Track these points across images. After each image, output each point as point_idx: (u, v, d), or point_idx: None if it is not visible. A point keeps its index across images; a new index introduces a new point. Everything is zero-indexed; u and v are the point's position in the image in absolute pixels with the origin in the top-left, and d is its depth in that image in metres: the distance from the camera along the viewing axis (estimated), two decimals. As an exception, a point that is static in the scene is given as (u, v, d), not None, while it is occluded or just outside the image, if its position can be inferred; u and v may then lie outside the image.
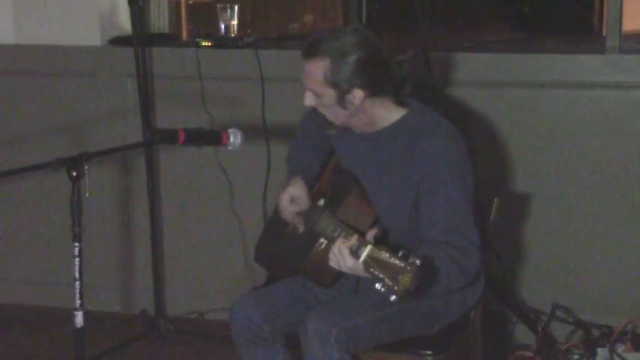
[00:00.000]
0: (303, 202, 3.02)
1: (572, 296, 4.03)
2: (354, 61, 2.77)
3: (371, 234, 2.69)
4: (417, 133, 2.86)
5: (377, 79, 2.82)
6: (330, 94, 2.81)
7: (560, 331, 3.99)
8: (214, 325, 4.28)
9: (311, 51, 2.80)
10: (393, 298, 2.51)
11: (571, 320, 3.98)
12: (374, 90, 2.82)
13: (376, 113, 2.89)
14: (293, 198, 3.03)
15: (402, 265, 2.49)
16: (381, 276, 2.51)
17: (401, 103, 2.94)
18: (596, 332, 3.92)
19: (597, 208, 3.98)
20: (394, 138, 2.90)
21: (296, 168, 3.16)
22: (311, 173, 3.15)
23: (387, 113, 2.90)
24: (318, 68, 2.78)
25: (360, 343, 2.85)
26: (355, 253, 2.61)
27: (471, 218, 2.82)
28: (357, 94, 2.80)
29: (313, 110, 2.88)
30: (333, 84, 2.78)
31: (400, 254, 2.51)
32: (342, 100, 2.81)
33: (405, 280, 2.48)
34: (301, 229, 3.02)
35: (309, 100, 2.86)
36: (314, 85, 2.81)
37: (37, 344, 4.22)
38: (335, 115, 2.87)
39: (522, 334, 3.99)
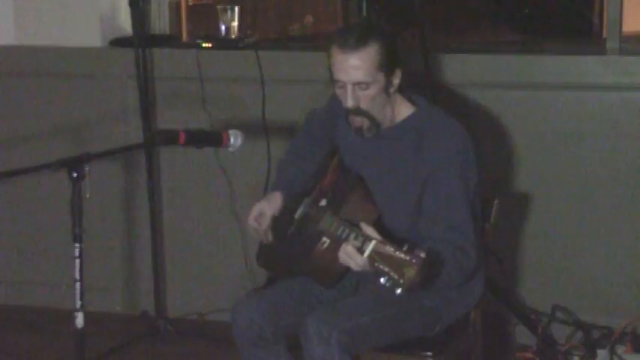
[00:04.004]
0: (265, 221, 3.07)
1: (572, 297, 4.03)
2: (392, 40, 2.87)
3: (370, 229, 2.70)
4: (425, 131, 2.91)
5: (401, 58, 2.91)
6: (380, 80, 2.85)
7: (560, 332, 3.99)
8: (215, 326, 4.28)
9: (361, 40, 2.82)
10: (398, 291, 2.52)
11: (571, 321, 3.98)
12: (402, 69, 2.89)
13: (396, 106, 2.95)
14: (261, 214, 3.08)
15: (408, 258, 2.51)
16: (386, 270, 2.53)
17: (410, 101, 2.97)
18: (596, 333, 3.92)
19: (597, 209, 3.98)
20: (402, 136, 2.93)
21: (285, 178, 3.20)
22: (301, 182, 3.17)
23: (401, 108, 2.96)
24: (372, 54, 2.82)
25: (360, 344, 2.85)
26: (360, 249, 2.63)
27: (470, 216, 2.87)
28: (398, 73, 2.88)
29: (355, 112, 2.88)
30: (384, 66, 2.84)
31: (405, 248, 2.53)
32: (388, 84, 2.87)
33: (411, 272, 2.50)
34: (269, 238, 3.08)
35: (352, 101, 2.86)
36: (367, 75, 2.83)
37: (38, 345, 4.22)
38: (377, 106, 2.89)
39: (522, 335, 3.99)
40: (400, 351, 2.97)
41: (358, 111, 2.87)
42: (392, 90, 2.91)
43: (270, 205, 3.09)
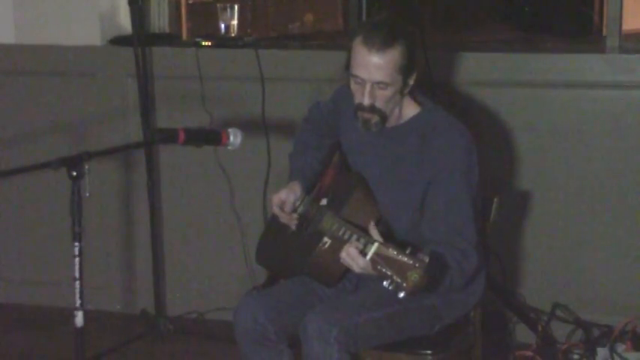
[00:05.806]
0: (287, 208, 3.05)
1: (572, 296, 4.03)
2: (415, 43, 2.87)
3: (374, 231, 2.70)
4: (430, 131, 2.91)
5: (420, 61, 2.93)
6: (398, 81, 2.85)
7: (560, 330, 3.99)
8: (214, 324, 4.28)
9: (388, 42, 2.81)
10: (402, 295, 2.51)
11: (571, 320, 3.98)
12: (417, 73, 2.89)
13: (403, 106, 2.95)
14: (283, 202, 3.05)
15: (411, 262, 2.50)
16: (389, 273, 2.52)
17: (416, 101, 2.97)
18: (596, 332, 3.92)
19: (597, 208, 3.98)
20: (407, 135, 2.94)
21: (298, 167, 3.18)
22: (314, 169, 3.17)
23: (407, 108, 2.96)
24: (396, 56, 2.81)
25: (360, 342, 2.85)
26: (362, 251, 2.62)
27: (472, 219, 2.85)
28: (414, 75, 2.88)
29: (370, 109, 2.87)
30: (404, 69, 2.83)
31: (408, 251, 2.52)
32: (404, 86, 2.87)
33: (414, 276, 2.49)
34: (293, 226, 3.05)
35: (369, 99, 2.85)
36: (388, 76, 2.82)
37: (37, 344, 4.22)
38: (391, 106, 2.89)
39: (522, 333, 4.00)
40: (400, 350, 2.96)
41: (372, 109, 2.87)
42: (406, 91, 2.90)
43: (290, 192, 3.07)
